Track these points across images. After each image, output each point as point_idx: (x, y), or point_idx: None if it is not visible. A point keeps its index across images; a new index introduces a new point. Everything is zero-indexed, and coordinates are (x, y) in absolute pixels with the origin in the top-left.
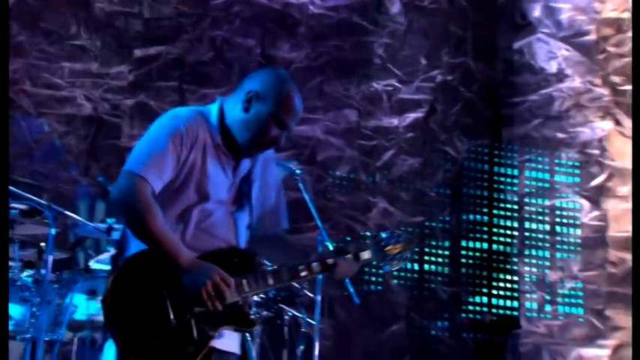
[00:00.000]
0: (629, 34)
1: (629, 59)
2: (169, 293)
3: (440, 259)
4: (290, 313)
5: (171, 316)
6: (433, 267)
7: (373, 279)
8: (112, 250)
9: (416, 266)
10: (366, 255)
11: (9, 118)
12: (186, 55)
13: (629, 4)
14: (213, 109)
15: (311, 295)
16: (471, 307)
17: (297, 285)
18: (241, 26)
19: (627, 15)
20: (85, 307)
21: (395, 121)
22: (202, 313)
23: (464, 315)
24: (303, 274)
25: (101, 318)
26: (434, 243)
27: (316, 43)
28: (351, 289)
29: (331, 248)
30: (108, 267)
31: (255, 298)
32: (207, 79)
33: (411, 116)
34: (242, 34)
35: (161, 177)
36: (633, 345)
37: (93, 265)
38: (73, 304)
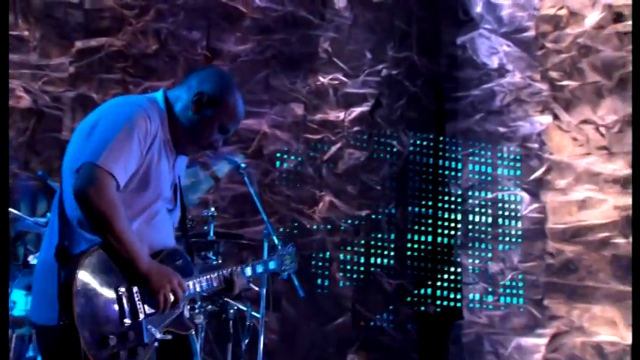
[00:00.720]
0: (567, 30)
1: (566, 55)
2: (125, 292)
3: (385, 252)
4: (235, 307)
5: (127, 316)
6: (379, 259)
7: (319, 272)
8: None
9: (362, 259)
10: (271, 265)
11: (9, 118)
12: (130, 48)
13: (567, 2)
14: (159, 99)
15: (256, 288)
16: (415, 299)
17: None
18: (186, 19)
19: (564, 12)
20: (24, 302)
21: (341, 115)
22: (152, 314)
23: (408, 307)
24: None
25: None
26: (380, 236)
27: (262, 37)
28: (296, 283)
29: (276, 242)
30: None
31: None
32: (151, 71)
33: (357, 110)
34: (187, 26)
35: (126, 171)
36: (633, 345)
37: (32, 260)
38: (12, 300)
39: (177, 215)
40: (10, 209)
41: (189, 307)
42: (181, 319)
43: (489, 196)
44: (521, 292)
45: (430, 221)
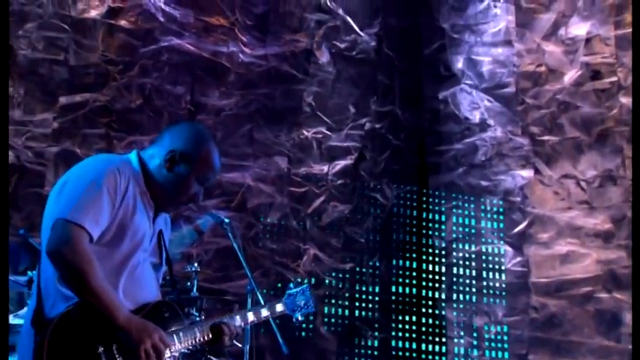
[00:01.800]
0: (547, 86)
1: (546, 110)
2: (104, 350)
3: (370, 305)
4: None
5: None
6: (363, 312)
7: (303, 325)
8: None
9: (346, 312)
10: (279, 307)
11: (8, 118)
12: (114, 103)
13: (545, 59)
14: (132, 159)
15: (239, 345)
16: (400, 353)
17: None
18: (170, 74)
19: (543, 69)
20: None
21: (325, 168)
22: None
23: None
24: (229, 328)
25: None
26: (364, 288)
27: (246, 91)
28: (280, 339)
29: (259, 298)
30: None
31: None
32: (135, 126)
33: (341, 163)
34: (171, 81)
35: (98, 224)
36: (633, 345)
37: (12, 320)
38: None
39: (162, 270)
40: None
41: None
42: None
43: (473, 249)
44: (506, 346)
45: (414, 274)
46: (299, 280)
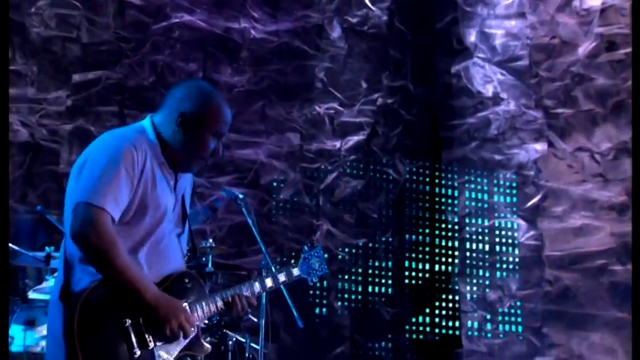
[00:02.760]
0: (561, 59)
1: (560, 83)
2: (132, 323)
3: (383, 280)
4: (234, 339)
5: (136, 348)
6: (377, 288)
7: (317, 301)
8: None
9: (360, 288)
10: (295, 272)
11: (9, 118)
12: (127, 80)
13: (559, 31)
14: (146, 127)
15: (255, 319)
16: (414, 328)
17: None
18: (182, 51)
19: (557, 41)
20: (22, 338)
21: (337, 144)
22: (162, 342)
23: (407, 335)
24: (247, 293)
25: (38, 349)
26: (377, 264)
27: (258, 68)
28: (295, 313)
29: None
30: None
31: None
32: (148, 103)
33: (353, 139)
34: (183, 58)
35: (118, 205)
36: (633, 345)
37: (31, 295)
38: (10, 336)
39: (186, 237)
40: (9, 244)
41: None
42: (198, 342)
43: (486, 223)
44: (519, 319)
45: (427, 249)
46: (311, 243)
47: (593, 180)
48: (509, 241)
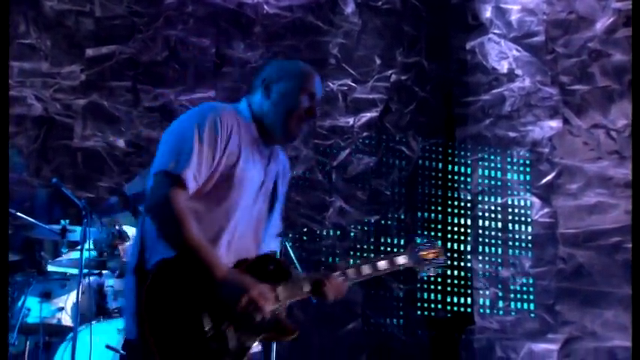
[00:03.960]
0: (577, 34)
1: (576, 59)
2: (204, 302)
3: None
4: None
5: (207, 327)
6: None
7: None
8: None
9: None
10: (401, 260)
11: (9, 118)
12: (140, 55)
13: (576, 6)
14: (242, 107)
15: None
16: (425, 304)
17: None
18: (195, 26)
19: (574, 16)
20: (38, 309)
21: (350, 121)
22: (240, 323)
23: (419, 312)
24: (340, 278)
25: (54, 321)
26: (389, 241)
27: (271, 43)
28: None
29: (288, 249)
30: (63, 269)
31: None
32: (161, 78)
33: (367, 115)
34: (196, 33)
35: (197, 179)
36: (633, 345)
37: (48, 267)
38: (26, 307)
39: (272, 218)
40: (23, 216)
41: None
42: (280, 325)
43: (499, 201)
44: (532, 297)
45: (440, 226)
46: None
47: (609, 157)
48: (523, 218)
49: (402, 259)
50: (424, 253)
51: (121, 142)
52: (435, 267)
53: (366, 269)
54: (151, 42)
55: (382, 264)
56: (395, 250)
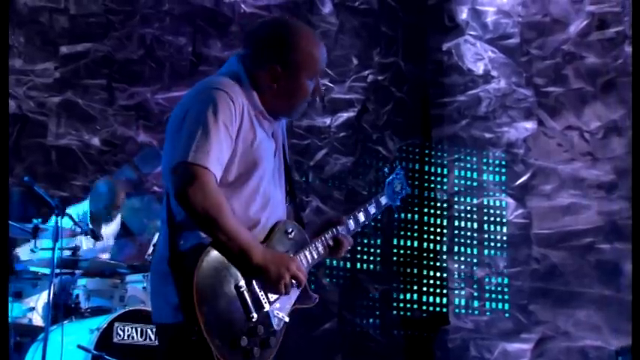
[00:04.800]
0: (552, 37)
1: (551, 61)
2: (246, 286)
3: (372, 257)
4: None
5: (253, 312)
6: (365, 265)
7: None
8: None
9: (348, 264)
10: (383, 200)
11: (9, 117)
12: (116, 53)
13: (551, 9)
14: (240, 74)
15: None
16: (401, 304)
17: None
18: (172, 24)
19: (548, 19)
20: (10, 309)
21: (327, 121)
22: (275, 300)
23: (395, 312)
24: (343, 232)
25: (25, 321)
26: (366, 241)
27: None
28: None
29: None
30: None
31: None
32: (137, 77)
33: (344, 115)
34: (173, 32)
35: (220, 161)
36: (633, 344)
37: (19, 266)
38: None
39: (284, 183)
40: None
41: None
42: (307, 293)
43: (475, 201)
44: (507, 297)
45: (416, 227)
46: (391, 165)
47: (582, 159)
48: (498, 219)
49: (384, 199)
50: (395, 185)
51: (95, 141)
52: (402, 197)
53: (361, 217)
54: (127, 40)
55: (371, 208)
56: (371, 250)
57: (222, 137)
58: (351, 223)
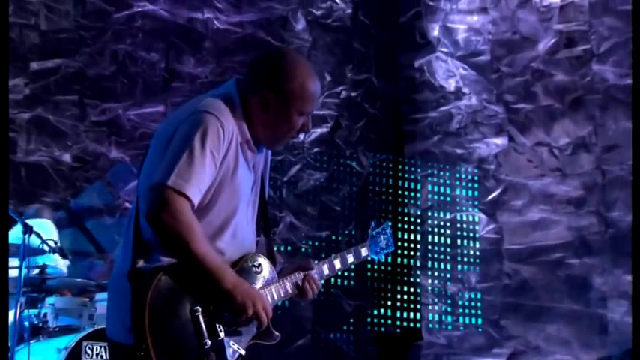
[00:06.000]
0: (521, 54)
1: (520, 78)
2: (203, 312)
3: (345, 273)
4: None
5: (206, 338)
6: (339, 280)
7: None
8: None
9: (322, 280)
10: (364, 252)
11: (8, 117)
12: (87, 69)
13: (520, 27)
14: (234, 98)
15: None
16: (375, 320)
17: None
18: (144, 40)
19: (518, 37)
20: None
21: (301, 137)
22: (233, 331)
23: (368, 327)
24: (315, 276)
25: None
26: None
27: (221, 59)
28: None
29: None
30: None
31: None
32: (109, 93)
33: (317, 131)
34: (145, 48)
35: (200, 189)
36: (633, 343)
37: None
38: None
39: (256, 217)
40: None
41: None
42: (267, 330)
43: (448, 216)
44: (479, 312)
45: None
46: (378, 220)
47: (552, 174)
48: (470, 234)
49: (364, 251)
50: (379, 240)
51: (67, 157)
52: (386, 253)
53: (337, 264)
54: (99, 56)
55: (350, 257)
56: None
57: (207, 165)
58: (325, 268)
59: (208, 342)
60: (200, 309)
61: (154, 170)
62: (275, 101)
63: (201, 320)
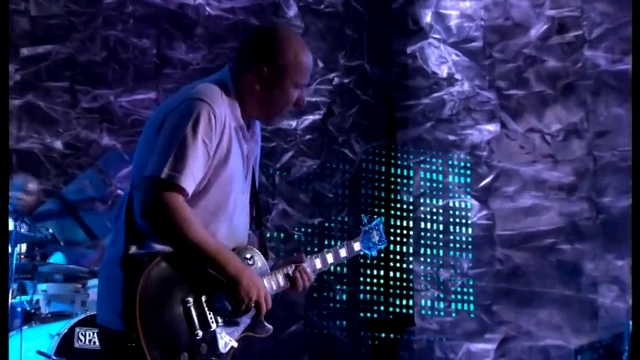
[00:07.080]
0: (513, 40)
1: (513, 65)
2: (194, 302)
3: None
4: None
5: (197, 329)
6: (331, 267)
7: None
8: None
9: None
10: (357, 247)
11: (8, 117)
12: (78, 55)
13: (512, 13)
14: (227, 81)
15: None
16: (367, 306)
17: None
18: (136, 26)
19: (510, 22)
20: None
21: (293, 123)
22: (226, 323)
23: (361, 314)
24: (308, 269)
25: None
26: (332, 243)
27: (213, 45)
28: None
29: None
30: None
31: None
32: (100, 79)
33: (309, 118)
34: (136, 34)
35: (194, 178)
36: (633, 342)
37: None
38: None
39: (249, 206)
40: None
41: None
42: (260, 322)
43: (440, 203)
44: (471, 298)
45: None
46: (370, 216)
47: (544, 160)
48: (462, 220)
49: (357, 246)
50: (372, 235)
51: (58, 144)
52: (378, 249)
53: (330, 258)
54: (90, 42)
55: (342, 251)
56: None
57: (200, 153)
58: (318, 262)
59: (200, 333)
60: (192, 299)
61: (147, 159)
62: (270, 75)
63: (193, 311)
